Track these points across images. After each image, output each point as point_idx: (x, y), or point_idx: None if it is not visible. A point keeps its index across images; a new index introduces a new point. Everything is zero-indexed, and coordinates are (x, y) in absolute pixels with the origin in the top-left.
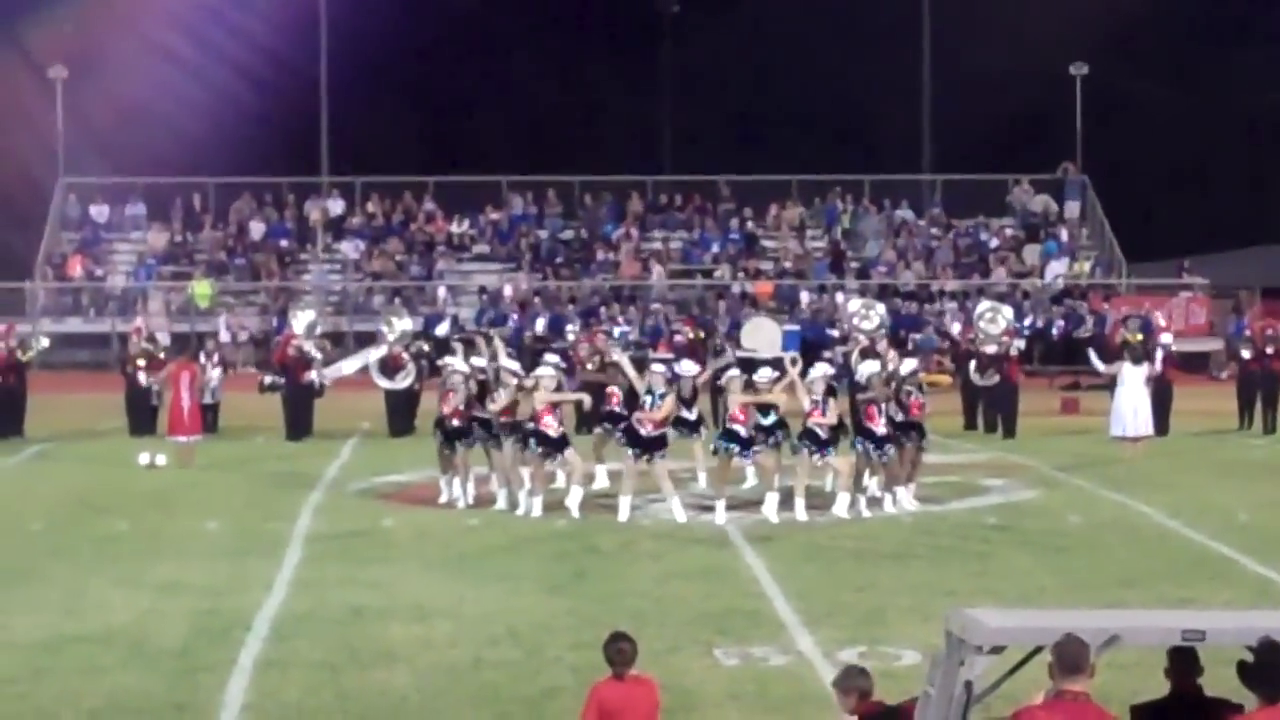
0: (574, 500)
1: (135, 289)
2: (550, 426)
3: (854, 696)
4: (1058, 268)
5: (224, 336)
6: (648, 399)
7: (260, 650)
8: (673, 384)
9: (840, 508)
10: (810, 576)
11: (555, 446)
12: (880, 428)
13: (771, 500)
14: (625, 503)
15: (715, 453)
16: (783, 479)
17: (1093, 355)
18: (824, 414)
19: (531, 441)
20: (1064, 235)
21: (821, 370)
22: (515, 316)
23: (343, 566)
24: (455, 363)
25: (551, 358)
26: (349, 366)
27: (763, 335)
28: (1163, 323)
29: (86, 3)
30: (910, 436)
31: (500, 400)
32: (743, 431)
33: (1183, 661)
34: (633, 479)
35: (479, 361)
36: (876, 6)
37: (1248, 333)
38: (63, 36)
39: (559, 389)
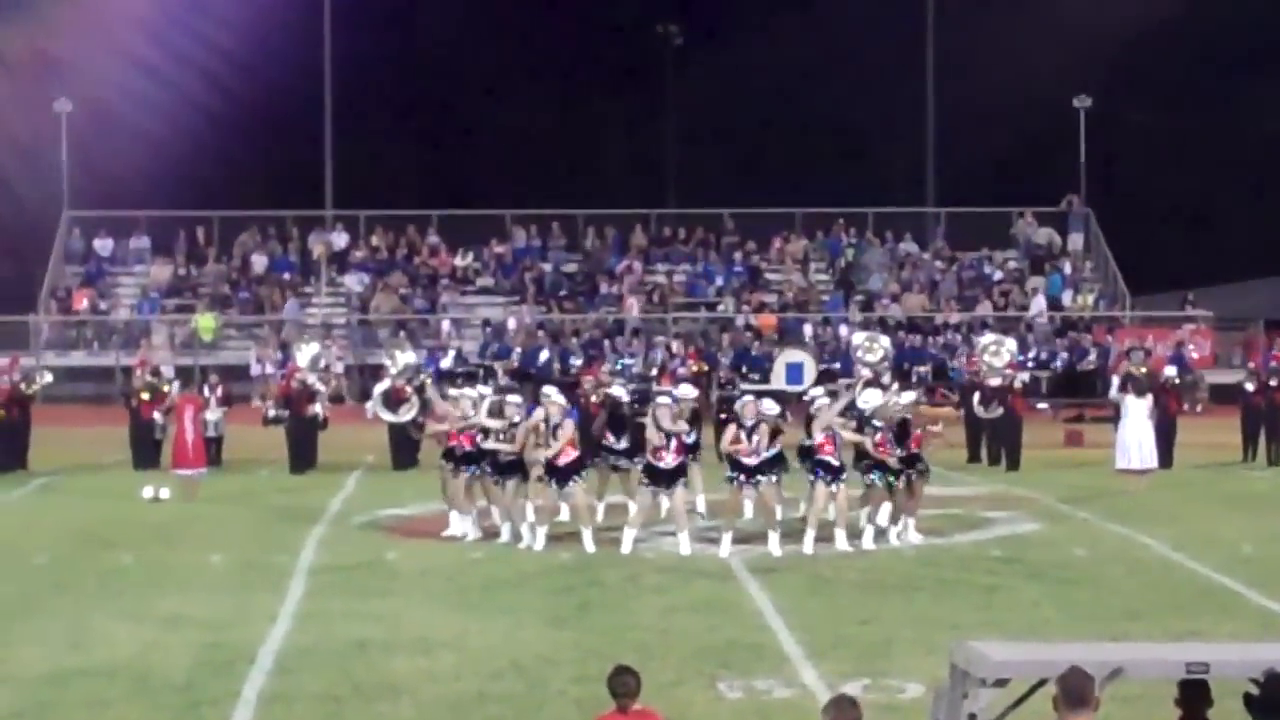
0: (588, 538)
1: (139, 322)
2: (566, 456)
3: None
4: (1039, 303)
5: (254, 370)
6: (659, 436)
7: (264, 683)
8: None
9: (841, 542)
10: (814, 609)
11: (564, 477)
12: (893, 459)
13: (774, 537)
14: (629, 535)
15: (732, 482)
16: (785, 511)
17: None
18: (835, 445)
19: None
20: (1067, 268)
21: (826, 401)
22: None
23: (346, 599)
24: (465, 391)
25: (552, 390)
26: (397, 415)
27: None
28: (1195, 355)
29: (90, 37)
30: (914, 469)
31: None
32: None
33: (1193, 693)
34: (644, 513)
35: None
36: (880, 40)
37: (1251, 365)
38: (68, 70)
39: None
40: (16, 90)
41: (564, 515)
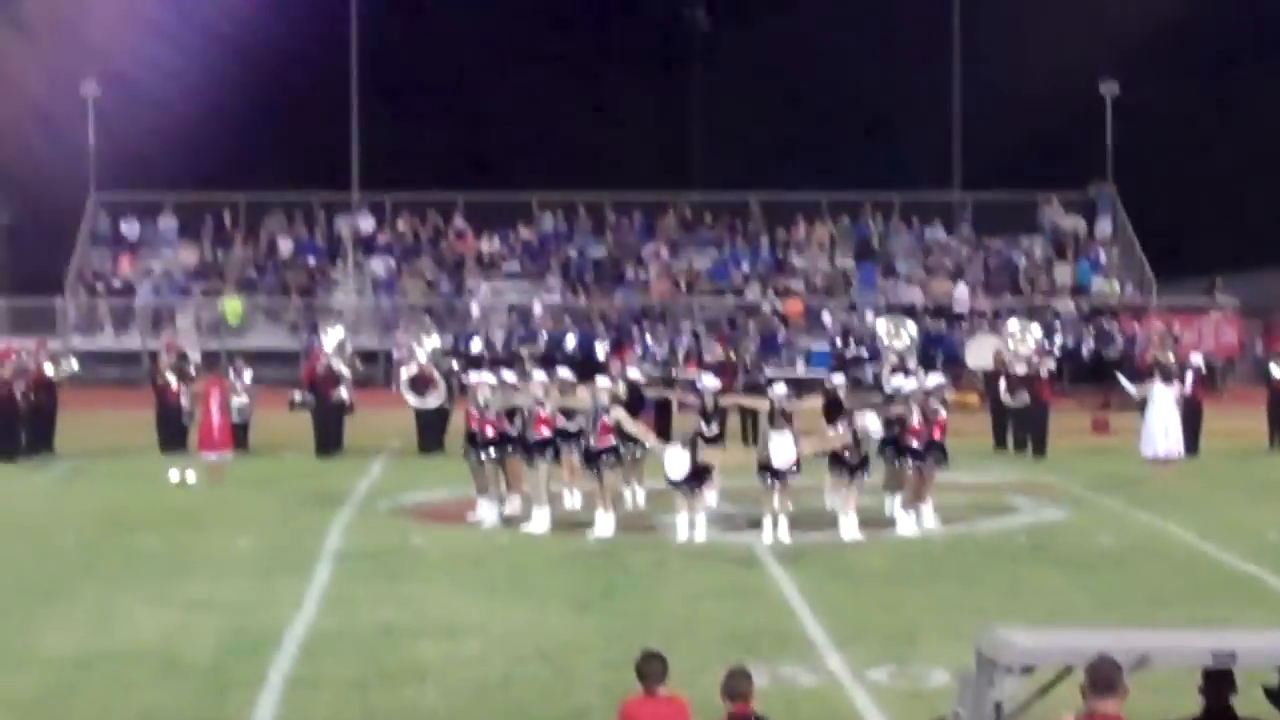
0: (608, 521)
1: (165, 306)
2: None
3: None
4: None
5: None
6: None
7: (290, 667)
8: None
9: (849, 531)
10: (839, 596)
11: (595, 459)
12: (919, 444)
13: (784, 523)
14: (683, 520)
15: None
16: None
17: (1122, 379)
18: (857, 446)
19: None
20: (1096, 254)
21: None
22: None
23: (372, 584)
24: (484, 376)
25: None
26: (424, 400)
27: (982, 348)
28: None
29: (118, 20)
30: (933, 455)
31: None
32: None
33: (1217, 681)
34: (684, 501)
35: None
36: (907, 25)
37: (1278, 350)
38: (95, 53)
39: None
40: (44, 73)
41: (574, 504)
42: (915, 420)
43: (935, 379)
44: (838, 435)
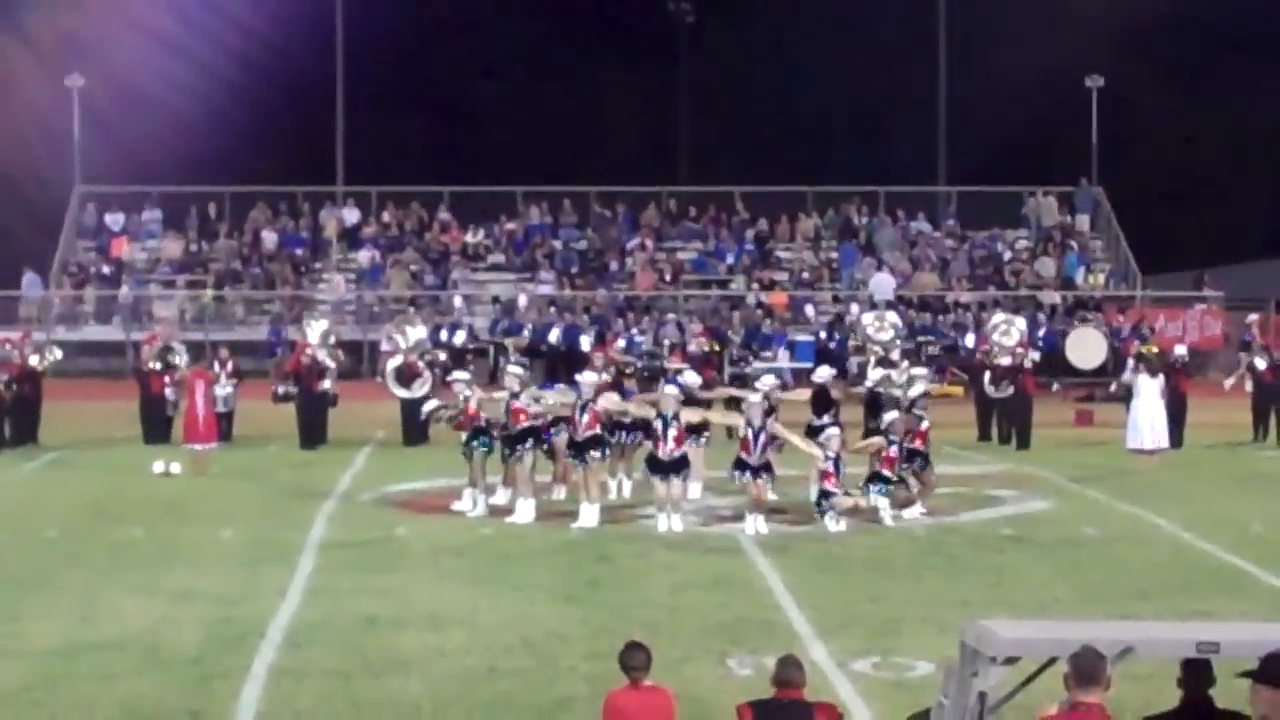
0: (593, 513)
1: (148, 297)
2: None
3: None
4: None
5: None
6: (658, 424)
7: (274, 658)
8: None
9: (832, 522)
10: (824, 587)
11: (583, 451)
12: (893, 474)
13: (760, 519)
14: (663, 515)
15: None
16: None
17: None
18: (837, 477)
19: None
20: (1078, 248)
21: (835, 431)
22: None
23: (356, 575)
24: (460, 374)
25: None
26: (410, 390)
27: (1088, 348)
28: (1264, 343)
29: (103, 13)
30: (915, 462)
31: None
32: (888, 473)
33: (1195, 673)
34: (662, 493)
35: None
36: (893, 19)
37: (1261, 343)
38: (80, 45)
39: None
40: (29, 65)
41: (559, 494)
42: (892, 451)
43: (917, 388)
44: (818, 450)
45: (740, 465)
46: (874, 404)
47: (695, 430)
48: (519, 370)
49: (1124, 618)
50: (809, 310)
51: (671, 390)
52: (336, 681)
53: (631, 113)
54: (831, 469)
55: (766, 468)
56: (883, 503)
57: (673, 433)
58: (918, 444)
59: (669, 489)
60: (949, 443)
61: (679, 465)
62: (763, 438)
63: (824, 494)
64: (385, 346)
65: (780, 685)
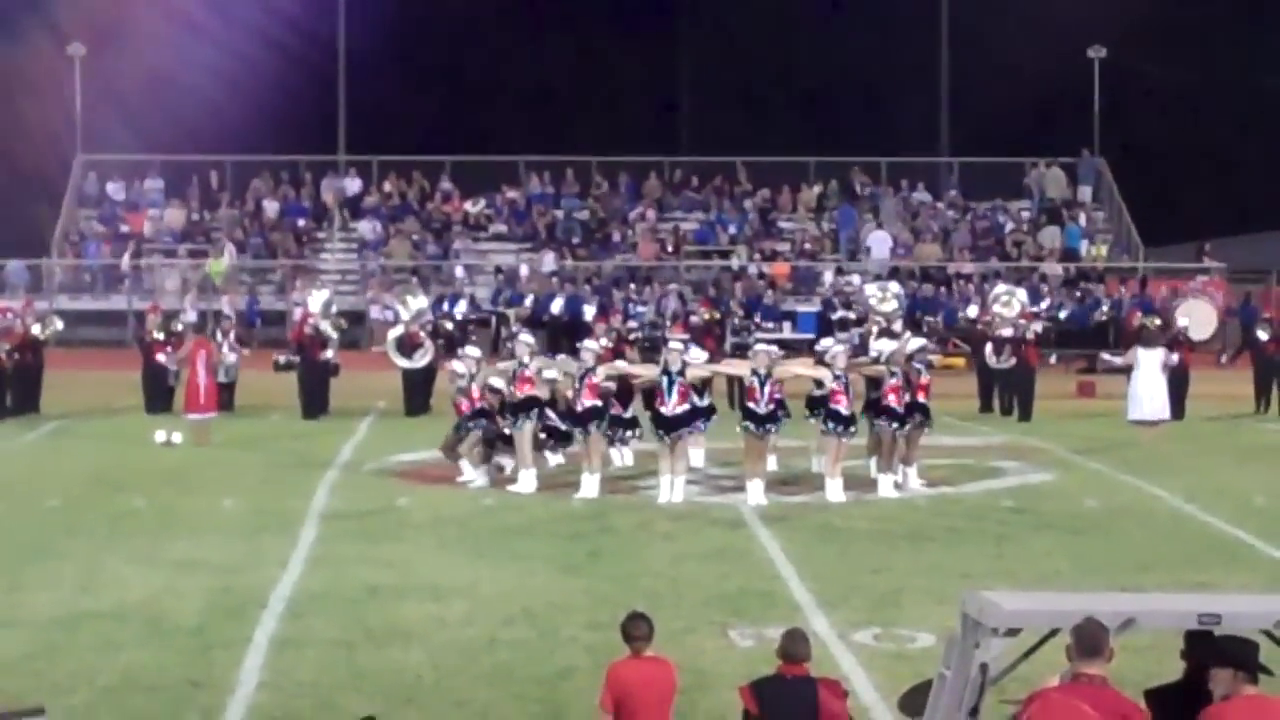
0: (594, 483)
1: (151, 267)
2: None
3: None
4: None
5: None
6: (664, 380)
7: (275, 628)
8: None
9: (834, 493)
10: (825, 558)
11: (584, 422)
12: (901, 407)
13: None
14: (665, 482)
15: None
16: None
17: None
18: (847, 395)
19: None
20: (1081, 219)
21: (841, 348)
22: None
23: (358, 545)
24: (471, 350)
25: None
26: (412, 360)
27: (1199, 316)
28: (1266, 315)
29: None
30: (914, 418)
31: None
32: (844, 411)
33: (1197, 644)
34: (666, 459)
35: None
36: None
37: (1266, 315)
38: (82, 13)
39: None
40: (30, 34)
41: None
42: (895, 380)
43: (916, 342)
44: (825, 371)
45: (748, 414)
46: (876, 379)
47: (704, 414)
48: (530, 339)
49: (1125, 589)
50: (827, 276)
51: (676, 346)
52: (338, 651)
53: (634, 82)
54: (840, 386)
55: (773, 417)
56: (884, 479)
57: (677, 388)
58: (920, 396)
59: (673, 449)
60: (950, 414)
61: (683, 421)
62: (769, 386)
63: (834, 414)
64: (375, 315)
65: (786, 659)
